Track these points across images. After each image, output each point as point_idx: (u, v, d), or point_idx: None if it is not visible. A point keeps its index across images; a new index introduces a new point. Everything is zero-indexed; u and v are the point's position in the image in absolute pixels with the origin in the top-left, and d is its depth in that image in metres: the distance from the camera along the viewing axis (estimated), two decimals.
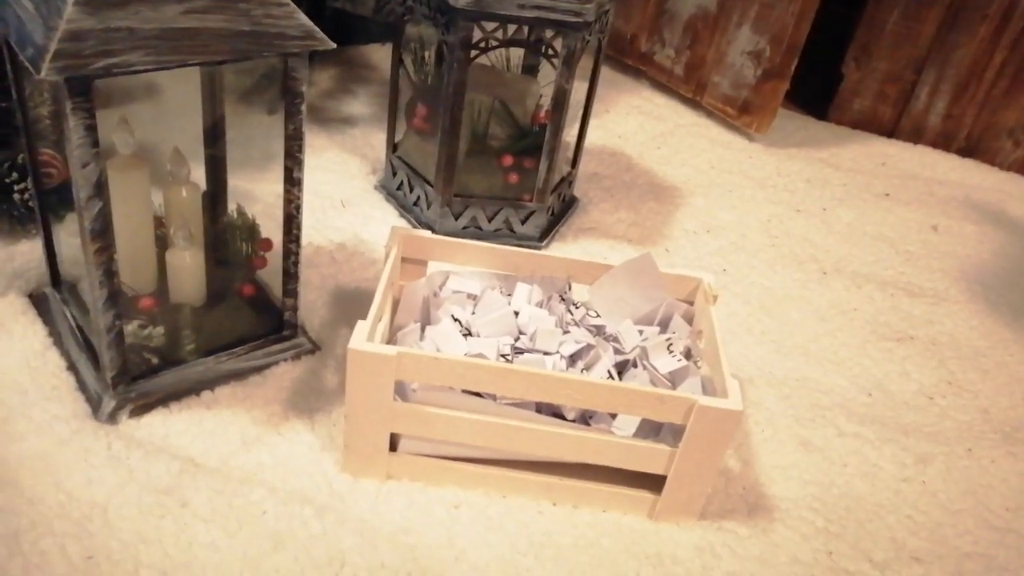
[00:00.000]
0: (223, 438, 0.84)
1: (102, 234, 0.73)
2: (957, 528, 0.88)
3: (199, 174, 0.95)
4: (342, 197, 1.25)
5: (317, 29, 0.74)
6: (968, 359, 1.14)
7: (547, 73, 1.17)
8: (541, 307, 0.91)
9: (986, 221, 1.49)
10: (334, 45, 0.75)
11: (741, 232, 1.34)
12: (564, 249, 1.23)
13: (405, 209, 1.24)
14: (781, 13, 1.53)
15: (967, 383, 1.10)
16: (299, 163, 0.82)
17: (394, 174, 1.26)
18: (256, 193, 1.10)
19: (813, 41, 1.55)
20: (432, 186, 1.18)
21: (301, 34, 0.73)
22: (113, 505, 0.75)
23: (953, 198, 1.55)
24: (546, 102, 1.22)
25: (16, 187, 0.98)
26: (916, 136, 1.74)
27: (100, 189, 0.70)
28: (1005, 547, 0.87)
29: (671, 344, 0.86)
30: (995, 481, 0.95)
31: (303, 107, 0.79)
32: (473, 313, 0.90)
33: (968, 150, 1.72)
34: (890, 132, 1.76)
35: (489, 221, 1.20)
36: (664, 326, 0.92)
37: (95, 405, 0.84)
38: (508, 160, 1.20)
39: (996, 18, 1.59)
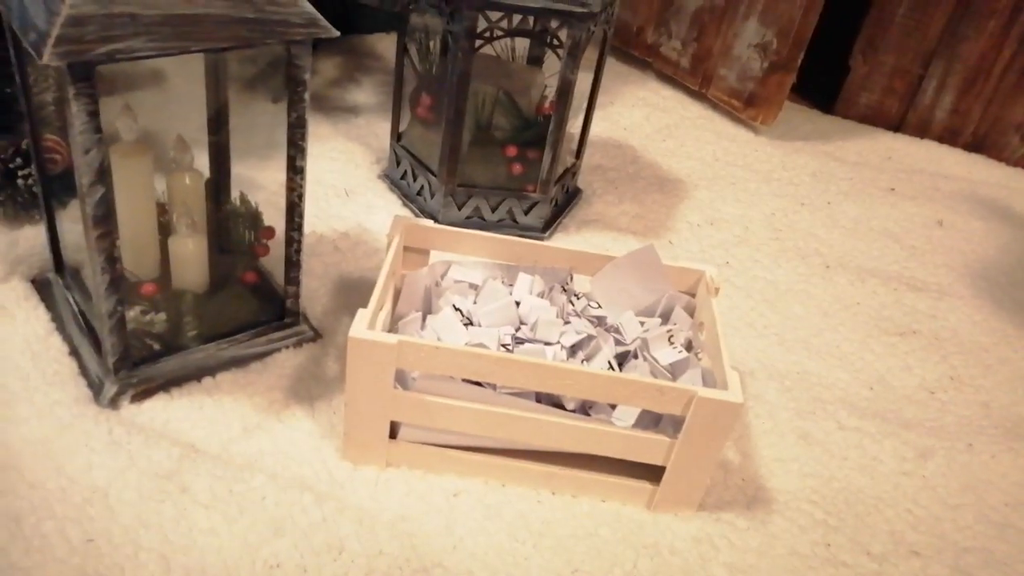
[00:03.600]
0: (224, 424, 0.84)
1: (104, 220, 0.73)
2: (956, 523, 0.88)
3: (202, 161, 0.95)
4: (346, 186, 1.25)
5: (321, 17, 0.74)
6: (970, 354, 1.14)
7: (552, 64, 1.16)
8: (542, 297, 0.91)
9: (992, 217, 1.49)
10: (337, 33, 0.75)
11: (745, 225, 1.34)
12: (567, 240, 1.23)
13: (408, 198, 1.24)
14: (788, 5, 1.52)
15: (969, 378, 1.10)
16: (302, 151, 0.82)
17: (398, 163, 1.26)
18: (259, 181, 1.10)
19: (820, 34, 1.54)
20: (436, 176, 1.18)
21: (304, 22, 0.73)
22: (114, 489, 0.76)
23: (959, 193, 1.54)
24: (551, 93, 1.22)
25: (20, 173, 0.98)
26: (922, 131, 1.73)
27: (103, 175, 0.70)
28: (1004, 542, 0.87)
29: (672, 336, 0.86)
30: (995, 476, 0.95)
31: (306, 95, 0.79)
32: (474, 303, 0.90)
33: (975, 145, 1.71)
34: (896, 126, 1.75)
35: (492, 211, 1.20)
36: (665, 318, 0.92)
37: (97, 390, 0.84)
38: (512, 151, 1.20)
39: (1005, 12, 1.58)
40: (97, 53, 0.63)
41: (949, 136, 1.72)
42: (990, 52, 1.62)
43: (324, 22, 0.74)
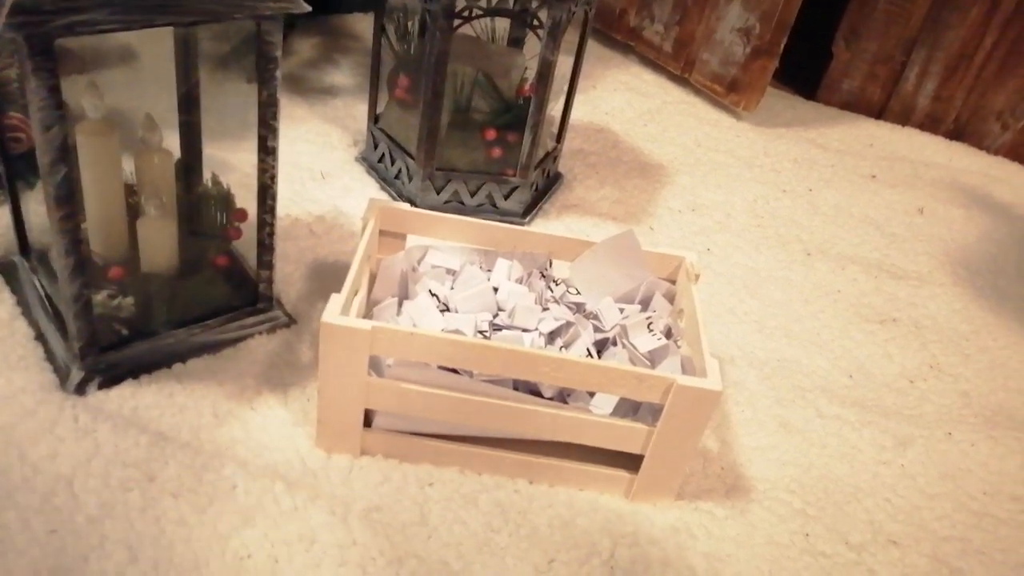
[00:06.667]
0: (194, 412, 0.82)
1: (68, 201, 0.70)
2: (935, 512, 0.88)
3: (173, 142, 0.92)
4: (322, 169, 1.23)
5: None
6: (951, 343, 1.14)
7: (532, 46, 1.14)
8: (521, 283, 0.89)
9: (973, 205, 1.49)
10: (308, 8, 0.73)
11: (726, 212, 1.33)
12: (547, 226, 1.21)
13: (386, 182, 1.22)
14: None
15: (949, 367, 1.09)
16: (273, 131, 0.80)
17: (375, 146, 1.24)
18: (232, 163, 1.07)
19: (803, 19, 1.53)
20: (414, 159, 1.16)
21: None
22: (79, 478, 0.74)
23: (940, 181, 1.54)
24: (531, 75, 1.20)
25: None
26: (904, 118, 1.73)
27: (65, 154, 0.68)
28: (982, 531, 0.87)
29: (651, 323, 0.85)
30: (974, 465, 0.95)
31: (277, 73, 0.76)
32: (452, 288, 0.88)
33: (956, 133, 1.71)
34: (878, 113, 1.75)
35: (472, 196, 1.18)
36: (645, 304, 0.91)
37: (63, 376, 0.82)
38: (491, 134, 1.18)
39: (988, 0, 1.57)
40: (57, 25, 0.61)
41: (931, 123, 1.72)
42: (972, 39, 1.61)
43: None
